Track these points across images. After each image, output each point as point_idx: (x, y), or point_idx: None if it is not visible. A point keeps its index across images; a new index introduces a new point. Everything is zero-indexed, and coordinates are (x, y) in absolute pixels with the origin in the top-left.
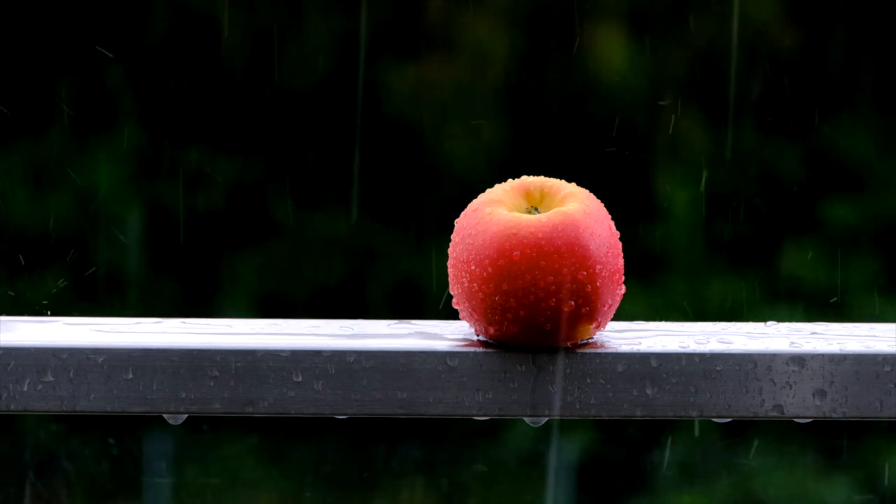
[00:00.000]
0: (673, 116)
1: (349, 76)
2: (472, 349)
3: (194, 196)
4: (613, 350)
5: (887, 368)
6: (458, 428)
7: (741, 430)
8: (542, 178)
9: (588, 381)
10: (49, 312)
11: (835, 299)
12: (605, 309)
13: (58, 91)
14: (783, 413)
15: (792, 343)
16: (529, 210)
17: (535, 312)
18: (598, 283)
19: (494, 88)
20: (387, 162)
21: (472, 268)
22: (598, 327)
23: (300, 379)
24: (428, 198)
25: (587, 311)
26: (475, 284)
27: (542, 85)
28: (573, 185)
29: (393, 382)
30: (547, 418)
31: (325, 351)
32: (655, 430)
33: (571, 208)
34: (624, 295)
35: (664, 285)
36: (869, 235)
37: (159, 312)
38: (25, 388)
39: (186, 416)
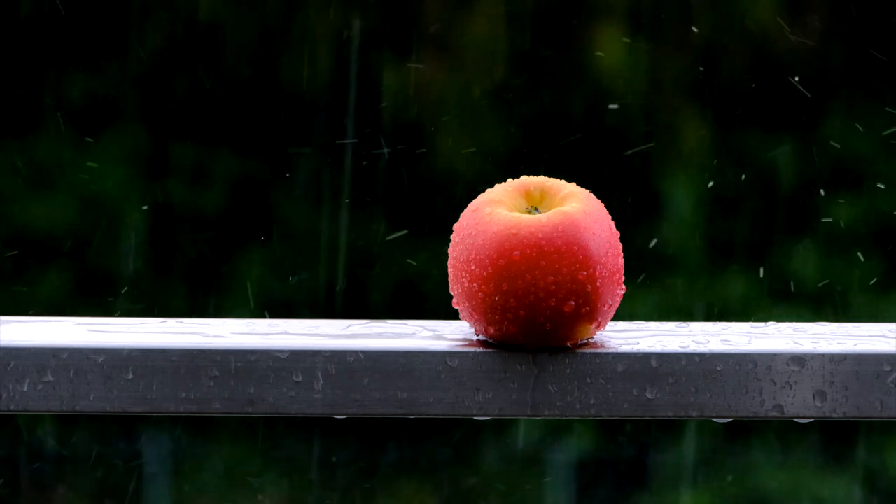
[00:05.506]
0: (673, 116)
1: (350, 76)
2: (472, 349)
3: (195, 196)
4: (613, 350)
5: (887, 368)
6: (458, 428)
7: (741, 430)
8: (542, 177)
9: (588, 381)
10: (49, 312)
11: (835, 299)
12: (605, 309)
13: (59, 89)
14: (783, 413)
15: (792, 343)
16: (529, 210)
17: (535, 312)
18: (598, 283)
19: (494, 88)
20: (387, 161)
21: (472, 268)
22: (598, 327)
23: (300, 379)
24: (428, 198)
25: (587, 311)
26: (475, 284)
27: (543, 85)
28: (573, 184)
29: (393, 382)
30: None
31: (325, 351)
32: (655, 430)
33: (571, 208)
34: (624, 295)
35: (664, 285)
36: (869, 235)
37: (160, 312)
38: (25, 388)
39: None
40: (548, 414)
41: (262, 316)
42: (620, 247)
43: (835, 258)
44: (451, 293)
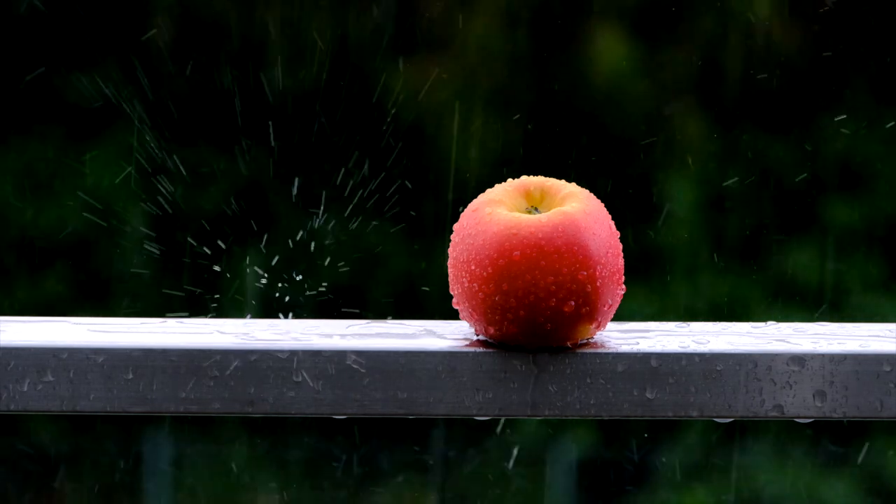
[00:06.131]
0: (673, 116)
1: (349, 76)
2: (472, 349)
3: (195, 195)
4: (613, 350)
5: (887, 368)
6: (458, 428)
7: (741, 430)
8: (542, 178)
9: (588, 381)
10: (49, 312)
11: (835, 299)
12: (605, 309)
13: (59, 89)
14: (783, 413)
15: (792, 343)
16: (529, 210)
17: (535, 312)
18: (598, 283)
19: (494, 88)
20: (386, 161)
21: (472, 268)
22: (598, 327)
23: (300, 379)
24: (428, 198)
25: (587, 311)
26: (475, 284)
27: (543, 85)
28: (573, 185)
29: (393, 382)
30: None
31: (325, 351)
32: (655, 430)
33: (571, 208)
34: (624, 295)
35: (664, 285)
36: (869, 235)
37: (160, 312)
38: (25, 388)
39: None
40: (548, 414)
41: (262, 316)
42: (620, 247)
43: (835, 258)
44: (451, 293)
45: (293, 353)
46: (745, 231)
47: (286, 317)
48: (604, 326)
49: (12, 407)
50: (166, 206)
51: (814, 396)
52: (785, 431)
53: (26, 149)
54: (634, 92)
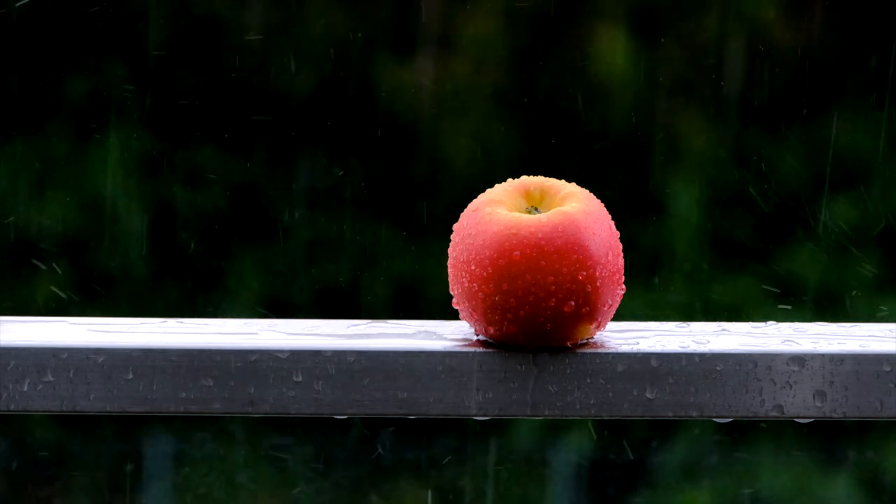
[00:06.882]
0: (673, 115)
1: (348, 76)
2: (472, 349)
3: (195, 196)
4: (613, 350)
5: (887, 368)
6: (458, 428)
7: (741, 430)
8: (541, 177)
9: (588, 381)
10: (49, 312)
11: (835, 299)
12: (605, 309)
13: (60, 89)
14: (783, 413)
15: (792, 343)
16: (529, 210)
17: (535, 312)
18: (598, 284)
19: (494, 88)
20: (386, 162)
21: (472, 268)
22: (598, 327)
23: (300, 379)
24: (428, 198)
25: (587, 311)
26: (475, 284)
27: (542, 84)
28: (573, 184)
29: (393, 382)
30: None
31: (325, 351)
32: (655, 430)
33: (571, 208)
34: (624, 295)
35: (664, 285)
36: (869, 235)
37: (160, 313)
38: (25, 388)
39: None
40: (548, 414)
41: (262, 316)
42: (620, 247)
43: (835, 258)
44: (451, 293)
45: (293, 353)
46: (745, 231)
47: (286, 317)
48: (604, 326)
49: (12, 407)
50: (166, 205)
51: (814, 396)
52: (785, 431)
53: (27, 148)
54: (635, 91)
